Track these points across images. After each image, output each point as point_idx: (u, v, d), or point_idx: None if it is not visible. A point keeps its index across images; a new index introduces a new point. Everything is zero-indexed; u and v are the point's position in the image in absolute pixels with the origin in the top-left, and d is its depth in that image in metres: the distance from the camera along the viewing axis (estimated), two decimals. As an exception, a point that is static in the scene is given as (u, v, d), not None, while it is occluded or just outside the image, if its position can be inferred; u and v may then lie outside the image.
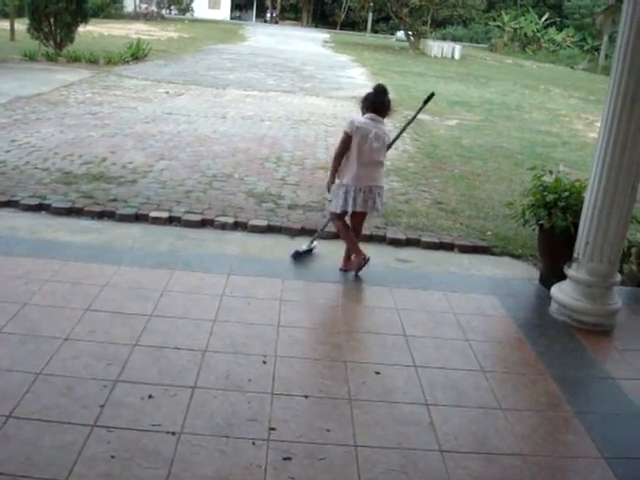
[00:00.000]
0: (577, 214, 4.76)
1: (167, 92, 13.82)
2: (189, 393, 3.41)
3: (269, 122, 11.37)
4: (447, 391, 3.64)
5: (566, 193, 4.91)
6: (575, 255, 4.66)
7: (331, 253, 5.49)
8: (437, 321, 4.47)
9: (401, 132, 5.58)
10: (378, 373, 3.74)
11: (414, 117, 5.49)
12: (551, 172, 5.25)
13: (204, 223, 6.06)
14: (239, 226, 6.05)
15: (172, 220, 6.06)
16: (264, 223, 6.07)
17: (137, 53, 19.19)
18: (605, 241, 4.48)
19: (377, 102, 5.02)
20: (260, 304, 4.46)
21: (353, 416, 3.34)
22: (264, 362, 3.74)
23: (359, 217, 5.25)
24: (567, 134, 13.75)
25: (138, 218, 6.07)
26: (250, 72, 19.08)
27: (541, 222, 5.04)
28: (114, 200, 6.43)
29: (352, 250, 5.14)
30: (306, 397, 3.46)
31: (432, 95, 5.43)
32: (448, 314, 4.59)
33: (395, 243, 5.92)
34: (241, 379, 3.57)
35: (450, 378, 3.77)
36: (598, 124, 14.44)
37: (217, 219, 6.09)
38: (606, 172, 4.37)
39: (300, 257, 5.41)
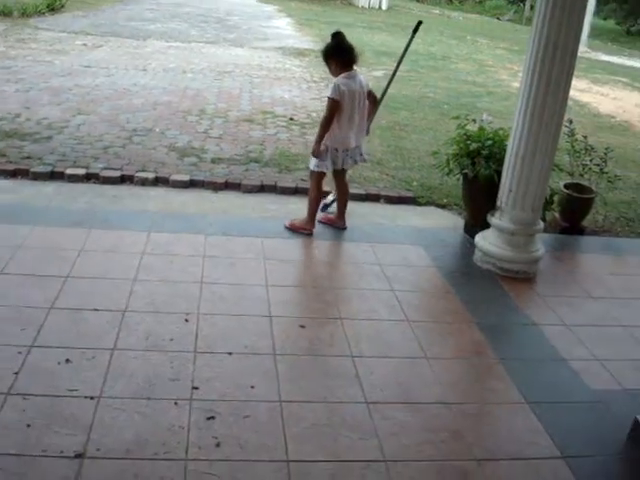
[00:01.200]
0: (500, 162, 4.76)
1: (85, 44, 13.22)
2: (108, 355, 3.29)
3: (192, 74, 11.02)
4: (373, 342, 3.62)
5: (489, 142, 4.91)
6: (498, 203, 4.68)
7: (254, 209, 5.38)
8: (363, 273, 4.44)
9: (390, 81, 5.44)
10: (303, 327, 3.69)
11: (405, 50, 5.33)
12: (474, 121, 5.23)
13: (123, 179, 5.84)
14: (160, 181, 5.85)
15: (89, 177, 5.81)
16: (186, 178, 5.89)
17: (53, 4, 18.22)
18: (528, 189, 4.50)
19: (346, 53, 4.74)
20: (182, 261, 4.33)
21: (278, 371, 3.28)
22: (186, 320, 3.64)
23: (344, 173, 5.13)
24: (492, 84, 13.83)
25: (53, 176, 5.78)
26: (172, 23, 18.42)
27: (465, 171, 5.03)
28: (28, 158, 6.12)
29: (309, 217, 5.02)
30: (230, 354, 3.39)
31: (420, 23, 5.28)
32: (374, 265, 4.56)
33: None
34: (162, 339, 3.47)
35: (376, 329, 3.76)
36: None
37: (137, 175, 5.87)
38: (528, 120, 4.37)
39: (327, 208, 5.38)
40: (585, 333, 4.03)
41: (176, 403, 2.99)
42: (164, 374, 3.18)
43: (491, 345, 3.74)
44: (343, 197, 5.18)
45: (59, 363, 3.20)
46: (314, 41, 17.05)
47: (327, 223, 5.16)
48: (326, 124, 4.74)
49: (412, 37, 5.23)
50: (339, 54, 4.75)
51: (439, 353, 3.60)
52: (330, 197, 5.48)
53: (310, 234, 4.97)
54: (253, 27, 19.47)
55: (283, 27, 20.58)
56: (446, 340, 3.76)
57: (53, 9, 18.06)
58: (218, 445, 2.78)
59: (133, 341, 3.43)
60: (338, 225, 5.13)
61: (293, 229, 5.02)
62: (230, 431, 2.86)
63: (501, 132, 5.07)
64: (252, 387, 3.15)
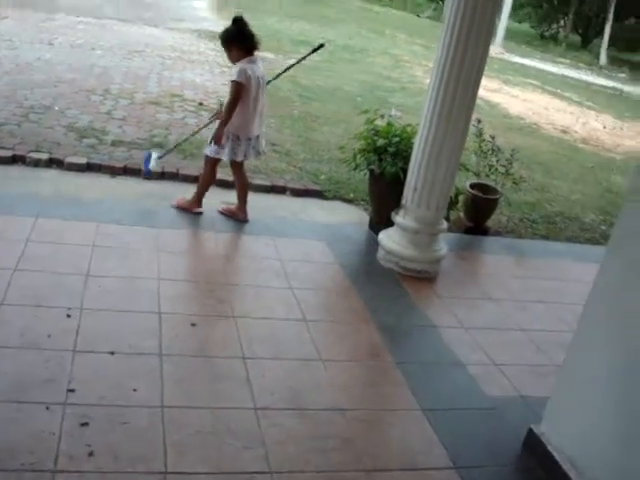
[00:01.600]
0: (407, 160, 4.69)
1: (-12, 14, 12.51)
2: (-24, 352, 3.02)
3: (100, 51, 10.55)
4: (266, 343, 3.47)
5: (397, 138, 4.82)
6: (403, 202, 4.60)
7: (152, 196, 5.13)
8: (262, 268, 4.28)
9: (279, 75, 5.30)
10: (194, 325, 3.50)
11: (297, 62, 5.24)
12: (383, 116, 5.14)
13: (15, 159, 5.47)
14: (54, 163, 5.51)
15: (-24, 155, 5.42)
16: (82, 160, 5.56)
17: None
18: (433, 188, 4.44)
19: (248, 39, 4.60)
20: (70, 251, 4.05)
21: (163, 373, 3.09)
22: (68, 315, 3.38)
23: (242, 164, 4.96)
24: (407, 79, 13.90)
25: (-64, 153, 5.38)
26: (85, -4, 17.70)
27: (371, 167, 4.94)
28: None
29: (198, 197, 4.91)
30: (112, 353, 3.16)
31: (322, 45, 5.21)
32: (274, 260, 4.40)
33: (224, 185, 5.48)
34: (40, 335, 3.21)
35: (270, 329, 3.61)
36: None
37: (29, 155, 5.51)
38: (436, 119, 4.30)
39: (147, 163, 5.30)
40: (483, 336, 4.01)
41: (48, 408, 2.76)
42: (38, 375, 2.94)
43: (389, 347, 3.65)
44: (243, 188, 5.02)
45: None
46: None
47: (228, 214, 4.98)
48: (231, 109, 4.57)
49: (309, 54, 5.14)
50: (241, 39, 4.59)
51: (335, 355, 3.49)
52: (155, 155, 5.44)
53: (201, 213, 4.89)
54: (171, 7, 18.92)
55: (201, 9, 20.10)
56: (343, 341, 3.65)
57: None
58: (91, 454, 2.57)
59: (6, 337, 3.15)
60: (239, 217, 4.96)
61: (180, 208, 4.92)
62: (105, 439, 2.65)
63: (409, 129, 5.00)
64: (134, 390, 2.95)
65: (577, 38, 46.39)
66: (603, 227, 6.88)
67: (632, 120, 15.81)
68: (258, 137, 4.84)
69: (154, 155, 5.32)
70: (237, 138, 4.68)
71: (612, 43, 38.29)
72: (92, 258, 4.00)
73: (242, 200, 4.98)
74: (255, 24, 5.29)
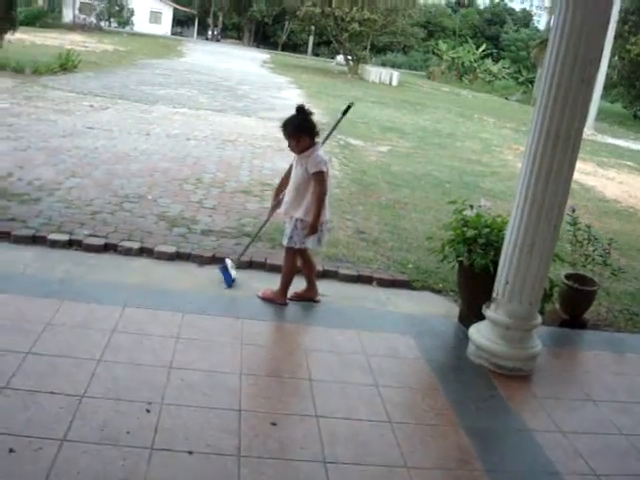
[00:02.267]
0: (498, 251, 4.52)
1: (92, 105, 13.26)
2: (56, 447, 2.99)
3: (195, 141, 10.96)
4: (349, 446, 3.30)
5: (486, 229, 4.67)
6: (494, 295, 4.41)
7: (239, 286, 5.13)
8: (346, 363, 4.14)
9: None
10: (274, 424, 3.38)
11: (333, 129, 5.20)
12: (472, 207, 5.02)
13: (107, 248, 5.61)
14: (144, 252, 5.62)
15: (72, 243, 5.59)
16: (172, 249, 5.65)
17: (66, 64, 18.46)
18: (525, 281, 4.25)
19: (314, 127, 4.68)
20: (154, 342, 4.05)
21: (240, 476, 2.97)
22: (147, 410, 3.34)
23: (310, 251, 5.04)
24: (497, 164, 13.77)
25: (35, 240, 5.57)
26: (182, 89, 18.60)
27: (461, 258, 4.79)
28: (12, 220, 5.93)
29: (283, 289, 4.91)
30: (190, 453, 3.08)
31: (351, 105, 5.19)
32: (359, 355, 4.27)
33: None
34: (119, 431, 3.16)
35: (354, 430, 3.44)
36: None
37: (121, 244, 5.65)
38: (527, 209, 4.15)
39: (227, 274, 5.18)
40: (583, 442, 3.71)
41: (122, 510, 2.68)
42: (114, 473, 2.88)
43: (478, 453, 3.41)
44: (312, 271, 5.07)
45: (1, 453, 2.90)
46: (322, 113, 17.06)
47: (300, 299, 4.98)
48: (321, 199, 4.62)
49: (341, 118, 5.15)
50: (310, 128, 4.64)
51: (420, 462, 3.28)
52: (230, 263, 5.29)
53: (285, 304, 4.86)
54: (262, 97, 19.64)
55: (292, 98, 20.75)
56: (429, 446, 3.44)
57: (65, 69, 18.28)
58: None
59: (86, 431, 3.13)
60: (312, 297, 4.99)
61: (265, 298, 4.90)
62: None
63: (499, 219, 4.84)
64: (209, 494, 2.84)
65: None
66: None
67: None
68: (324, 223, 4.86)
69: (229, 263, 5.28)
70: (320, 224, 4.70)
71: None
72: (175, 350, 3.98)
73: (313, 281, 5.05)
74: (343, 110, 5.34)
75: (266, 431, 3.31)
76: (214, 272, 5.36)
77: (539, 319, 4.45)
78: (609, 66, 30.46)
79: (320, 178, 4.57)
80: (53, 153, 8.64)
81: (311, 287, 5.05)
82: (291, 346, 4.34)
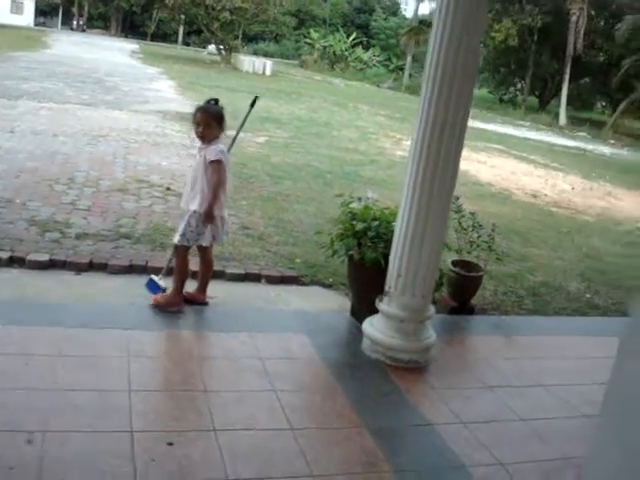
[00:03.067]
0: (388, 244, 4.48)
1: (-53, 103, 12.32)
2: None
3: (63, 137, 10.35)
4: (252, 460, 3.15)
5: (375, 222, 4.62)
6: (387, 288, 4.37)
7: (120, 293, 4.85)
8: (241, 369, 3.97)
9: (231, 145, 5.09)
10: (171, 444, 3.16)
11: (242, 124, 5.00)
12: (360, 199, 4.96)
13: (-28, 260, 5.16)
14: (15, 262, 5.19)
15: None
16: (45, 257, 5.26)
17: None
18: (417, 273, 4.23)
19: (225, 121, 4.55)
20: (39, 362, 3.72)
21: (137, 506, 2.75)
22: (29, 441, 3.04)
23: (211, 249, 4.82)
24: (374, 152, 13.92)
25: None
26: (48, 82, 17.62)
27: (351, 253, 4.72)
28: None
29: (177, 290, 4.66)
30: (80, 485, 2.82)
31: (257, 98, 5.05)
32: (254, 359, 4.10)
33: (195, 276, 5.09)
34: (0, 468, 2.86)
35: (255, 442, 3.29)
36: (405, 142, 14.78)
37: (-12, 254, 5.21)
38: (417, 200, 4.12)
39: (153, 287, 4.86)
40: (485, 432, 3.73)
41: None
42: (-6, 518, 2.59)
43: (384, 454, 3.35)
44: (209, 272, 4.86)
45: None
46: (196, 105, 16.72)
47: (189, 300, 4.76)
48: (217, 189, 4.45)
49: (249, 111, 5.04)
50: (223, 119, 4.50)
51: (326, 469, 3.17)
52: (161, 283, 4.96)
53: (180, 311, 4.60)
54: (133, 89, 18.96)
55: (165, 90, 20.20)
56: (334, 451, 3.34)
57: None
58: None
59: (-40, 471, 2.81)
60: (200, 300, 4.79)
61: (160, 307, 4.61)
62: None
63: (387, 211, 4.81)
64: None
65: (535, 100, 47.80)
66: (588, 295, 6.72)
67: (599, 179, 15.99)
68: (224, 218, 4.70)
69: (155, 277, 4.94)
70: (217, 219, 4.54)
71: (569, 103, 39.46)
72: (60, 369, 3.67)
73: (204, 283, 4.83)
74: (221, 102, 5.14)
75: (162, 452, 3.09)
76: (92, 280, 5.06)
77: (432, 310, 4.46)
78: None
79: (217, 167, 4.41)
80: None
81: (202, 289, 4.83)
82: (182, 355, 4.12)
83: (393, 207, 4.79)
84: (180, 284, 4.66)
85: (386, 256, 4.45)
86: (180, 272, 4.68)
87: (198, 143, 4.65)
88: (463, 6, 3.83)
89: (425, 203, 4.11)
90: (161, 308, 4.61)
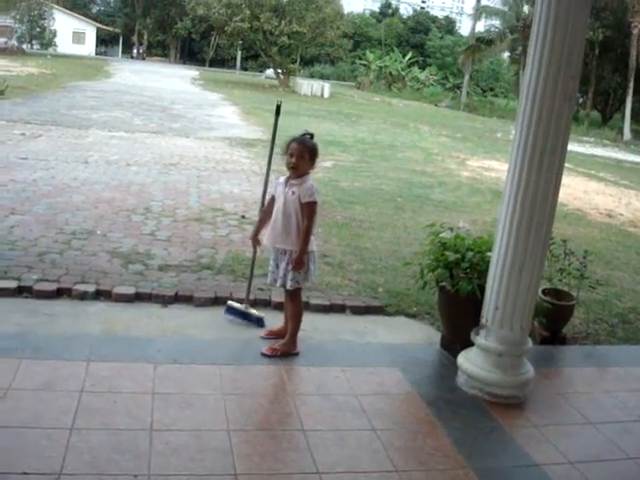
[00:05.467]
0: (481, 275, 4.35)
1: (23, 134, 12.64)
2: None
3: (136, 167, 10.53)
4: (359, 505, 3.05)
5: (470, 253, 4.48)
6: (483, 321, 4.23)
7: (209, 327, 4.83)
8: (337, 407, 3.88)
9: (269, 164, 5.07)
10: (276, 488, 3.09)
11: (274, 132, 4.98)
12: (451, 229, 4.83)
13: (60, 293, 5.19)
14: (101, 295, 5.22)
15: (22, 290, 5.15)
16: (131, 291, 5.28)
17: (-6, 91, 17.73)
18: (516, 306, 4.07)
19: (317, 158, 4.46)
20: (128, 400, 3.70)
21: None
22: (135, 485, 3.01)
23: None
24: (441, 173, 13.75)
25: (-20, 290, 5.14)
26: (115, 111, 18.06)
27: (442, 284, 4.59)
28: (-50, 267, 5.47)
29: (293, 337, 4.53)
30: (188, 532, 2.76)
31: (279, 104, 5.00)
32: (349, 396, 4.01)
33: (280, 308, 5.09)
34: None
35: (361, 486, 3.18)
36: (469, 162, 14.59)
37: (75, 287, 5.24)
38: (515, 230, 3.98)
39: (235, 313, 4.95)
40: (594, 472, 3.55)
41: None
42: None
43: (494, 499, 3.20)
44: (300, 317, 4.63)
45: None
46: (261, 130, 16.89)
47: (276, 337, 4.68)
48: (310, 232, 4.32)
49: (277, 119, 5.02)
50: (316, 155, 4.40)
51: (437, 515, 3.05)
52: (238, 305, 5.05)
53: (297, 354, 4.52)
54: (198, 116, 19.26)
55: (228, 116, 20.47)
56: (443, 495, 3.22)
57: (-7, 96, 17.50)
58: None
59: (68, 517, 2.78)
60: (293, 352, 4.57)
61: (277, 355, 4.44)
62: None
63: (480, 241, 4.67)
64: None
65: (597, 115, 46.86)
66: (680, 322, 6.43)
67: (672, 196, 15.46)
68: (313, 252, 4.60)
69: (237, 305, 5.03)
70: (314, 256, 4.50)
71: (632, 117, 38.52)
72: (153, 408, 3.64)
73: (296, 331, 4.57)
74: (282, 125, 5.11)
75: (268, 497, 3.02)
76: (178, 312, 5.05)
77: (530, 343, 4.30)
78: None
79: (313, 209, 4.30)
80: (-12, 189, 8.12)
81: (292, 339, 4.60)
82: (276, 392, 4.05)
83: (486, 237, 4.66)
84: (298, 328, 4.54)
85: (481, 287, 4.31)
86: (299, 316, 4.55)
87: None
88: (563, 26, 3.69)
89: (524, 234, 3.96)
90: (283, 356, 4.46)
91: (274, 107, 5.05)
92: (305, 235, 4.28)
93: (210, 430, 3.50)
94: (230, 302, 5.10)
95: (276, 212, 4.41)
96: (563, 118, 3.82)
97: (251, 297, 5.24)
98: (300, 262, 4.30)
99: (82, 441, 3.28)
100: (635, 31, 35.57)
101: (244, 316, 5.00)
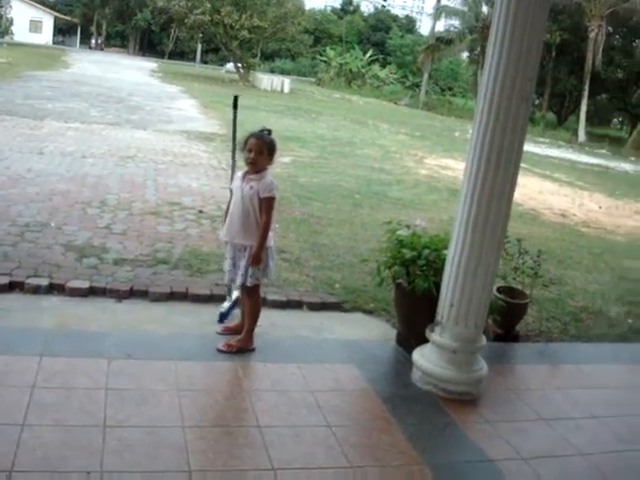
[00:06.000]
0: (437, 272, 4.39)
1: (-25, 124, 12.37)
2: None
3: (92, 159, 10.36)
4: (313, 501, 3.05)
5: (426, 250, 4.52)
6: (438, 318, 4.27)
7: (164, 322, 4.78)
8: (293, 403, 3.88)
9: (234, 157, 5.07)
10: (231, 484, 3.08)
11: (234, 128, 4.96)
12: (408, 227, 4.86)
13: (12, 286, 5.08)
14: (55, 289, 5.13)
15: (-28, 284, 5.06)
16: (85, 285, 5.20)
17: (-58, 79, 17.25)
18: (471, 303, 4.12)
19: (275, 152, 4.44)
20: (81, 396, 3.64)
21: None
22: (87, 483, 2.96)
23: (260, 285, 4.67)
24: (400, 171, 13.84)
25: None
26: (72, 102, 17.74)
27: (399, 281, 4.63)
28: None
29: (250, 333, 4.50)
30: (141, 530, 2.74)
31: (237, 97, 5.02)
32: (305, 393, 4.01)
33: (236, 303, 5.09)
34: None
35: (315, 482, 3.19)
36: (427, 161, 14.70)
37: (28, 281, 5.14)
38: (471, 229, 4.03)
39: (227, 317, 4.88)
40: (546, 468, 3.63)
41: None
42: None
43: (447, 495, 3.24)
44: (257, 313, 4.59)
45: None
46: (220, 124, 16.77)
47: (231, 333, 4.65)
48: (268, 227, 4.30)
49: (235, 112, 5.06)
50: (274, 151, 4.37)
51: (392, 511, 3.07)
52: (226, 304, 5.02)
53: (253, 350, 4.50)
54: (156, 108, 19.05)
55: (187, 109, 20.29)
56: (397, 491, 3.24)
57: (-58, 85, 17.02)
58: None
59: (17, 515, 2.73)
60: (249, 347, 4.53)
61: (232, 351, 4.41)
62: None
63: (436, 239, 4.71)
64: None
65: (553, 116, 47.67)
66: (630, 320, 6.58)
67: (624, 198, 15.81)
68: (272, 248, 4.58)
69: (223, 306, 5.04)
70: (272, 252, 4.48)
71: (587, 119, 39.30)
72: (107, 404, 3.59)
73: (253, 327, 4.54)
74: (241, 120, 5.10)
75: (223, 493, 3.01)
76: (133, 307, 5.00)
77: (484, 340, 4.36)
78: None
79: (271, 204, 4.27)
80: (-63, 179, 7.92)
81: (251, 335, 4.58)
82: (232, 388, 4.04)
83: (442, 235, 4.70)
84: (255, 325, 4.51)
85: (437, 285, 4.35)
86: (257, 313, 4.54)
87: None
88: (522, 27, 3.74)
89: (480, 232, 4.01)
90: (238, 351, 4.44)
91: (230, 101, 5.03)
92: (263, 231, 4.26)
93: (165, 426, 3.47)
94: (220, 310, 5.03)
95: (233, 206, 4.38)
96: (520, 119, 3.87)
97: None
98: (258, 258, 4.27)
99: (34, 437, 3.22)
100: (592, 35, 36.25)
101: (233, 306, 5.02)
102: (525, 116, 3.93)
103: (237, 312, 4.89)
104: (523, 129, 3.97)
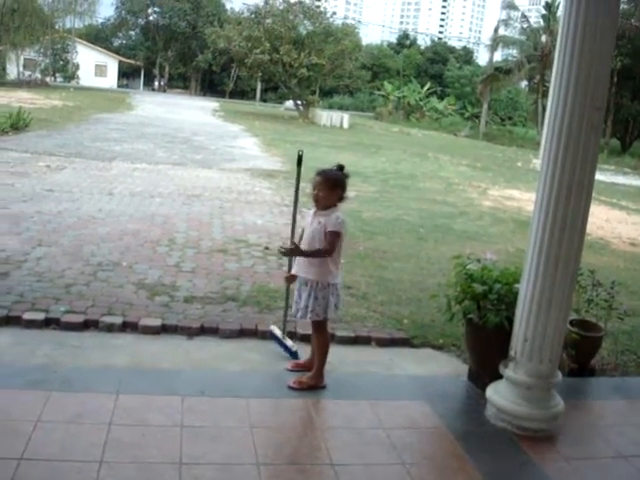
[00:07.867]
0: (510, 307, 4.32)
1: (48, 166, 12.83)
2: None
3: (160, 198, 10.63)
4: (391, 541, 3.01)
5: (498, 285, 4.46)
6: (512, 354, 4.19)
7: (234, 359, 4.83)
8: (366, 441, 3.85)
9: (295, 210, 5.10)
10: (306, 523, 3.06)
11: (297, 182, 5.01)
12: (479, 260, 4.81)
13: (87, 325, 5.23)
14: (128, 327, 5.25)
15: (49, 322, 5.20)
16: (157, 323, 5.31)
17: (17, 123, 17.95)
18: (545, 338, 4.04)
19: (346, 190, 4.42)
20: (157, 433, 3.70)
21: None
22: (165, 520, 2.99)
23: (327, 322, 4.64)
24: (463, 203, 13.74)
25: (9, 321, 5.16)
26: (138, 143, 18.29)
27: (470, 316, 4.57)
28: (-20, 299, 5.52)
29: (320, 370, 4.50)
30: None
31: (301, 153, 4.95)
32: (377, 430, 3.98)
33: (306, 340, 5.08)
34: None
35: (392, 522, 3.15)
36: (491, 192, 14.53)
37: (102, 319, 5.28)
38: (543, 263, 3.96)
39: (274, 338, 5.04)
40: (628, 510, 3.49)
41: None
42: None
43: (528, 536, 3.15)
44: (326, 350, 4.56)
45: None
46: (282, 161, 16.99)
47: (302, 369, 4.67)
48: (325, 253, 4.27)
49: (299, 169, 5.01)
50: (345, 188, 4.37)
51: None
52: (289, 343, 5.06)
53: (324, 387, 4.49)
54: (220, 147, 19.45)
55: (249, 147, 20.64)
56: (476, 533, 3.17)
57: (17, 128, 17.78)
58: None
59: None
60: (320, 385, 4.52)
61: (304, 388, 4.41)
62: None
63: (507, 272, 4.64)
64: None
65: (617, 143, 46.69)
66: None
67: (697, 224, 15.31)
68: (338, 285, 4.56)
69: (276, 330, 5.12)
70: (336, 289, 4.43)
71: (651, 144, 38.41)
72: (182, 441, 3.64)
73: (323, 364, 4.52)
74: (304, 158, 5.12)
75: (299, 533, 3.00)
76: (204, 344, 5.07)
77: (560, 375, 4.25)
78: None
79: (334, 238, 4.25)
80: (15, 220, 8.22)
81: (319, 372, 4.56)
82: (304, 425, 4.03)
83: (513, 268, 4.64)
84: (324, 361, 4.50)
85: (509, 319, 4.28)
86: (326, 349, 4.52)
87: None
88: (589, 55, 3.70)
89: (552, 266, 3.94)
90: (308, 389, 4.43)
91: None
92: (317, 251, 4.28)
93: (239, 464, 3.49)
94: (273, 327, 5.17)
95: (303, 242, 4.43)
96: (590, 149, 3.82)
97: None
98: (290, 252, 4.44)
99: (112, 475, 3.28)
100: (654, 59, 35.57)
101: (281, 344, 5.05)
102: (595, 146, 3.87)
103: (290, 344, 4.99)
104: (594, 159, 3.91)
